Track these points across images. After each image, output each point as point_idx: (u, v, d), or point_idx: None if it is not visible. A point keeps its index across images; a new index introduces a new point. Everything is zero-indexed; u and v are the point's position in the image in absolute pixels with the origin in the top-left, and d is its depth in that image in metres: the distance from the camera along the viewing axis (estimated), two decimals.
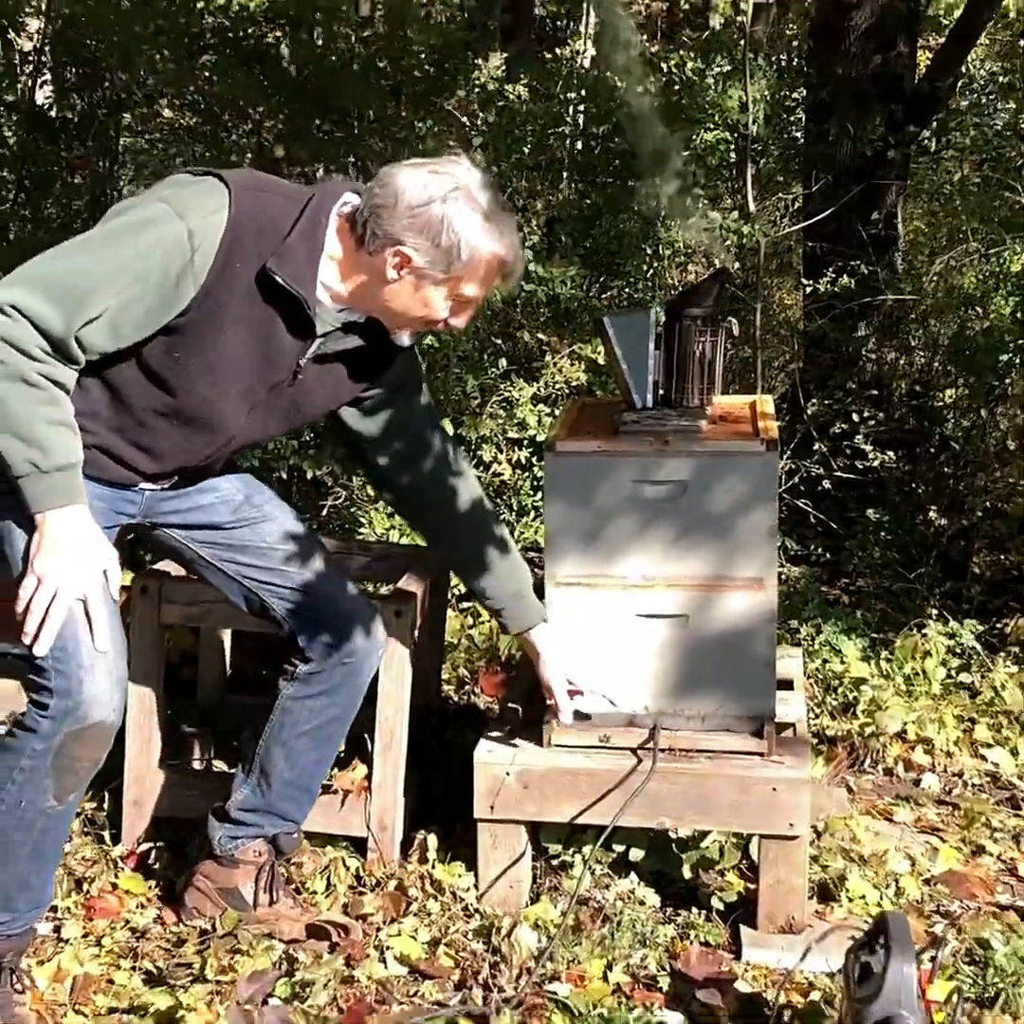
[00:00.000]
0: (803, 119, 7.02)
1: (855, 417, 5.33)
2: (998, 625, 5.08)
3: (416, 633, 3.20)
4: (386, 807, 3.16)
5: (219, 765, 3.49)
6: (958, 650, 4.73)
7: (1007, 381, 5.24)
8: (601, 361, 4.46)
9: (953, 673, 4.56)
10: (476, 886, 3.11)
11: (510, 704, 3.27)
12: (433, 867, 3.16)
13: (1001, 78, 6.08)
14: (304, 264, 2.55)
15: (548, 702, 3.06)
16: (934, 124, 6.47)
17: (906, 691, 4.41)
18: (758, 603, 2.98)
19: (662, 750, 3.00)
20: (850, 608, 5.17)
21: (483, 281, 2.62)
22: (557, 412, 4.45)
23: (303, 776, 2.96)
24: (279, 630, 2.91)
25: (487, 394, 4.54)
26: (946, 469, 5.77)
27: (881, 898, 3.21)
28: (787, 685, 3.45)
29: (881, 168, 6.66)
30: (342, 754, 3.17)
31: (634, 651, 3.03)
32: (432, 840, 3.20)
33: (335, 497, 4.76)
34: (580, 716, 3.06)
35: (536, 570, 5.27)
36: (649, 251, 4.94)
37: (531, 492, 4.57)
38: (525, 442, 4.58)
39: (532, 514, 4.54)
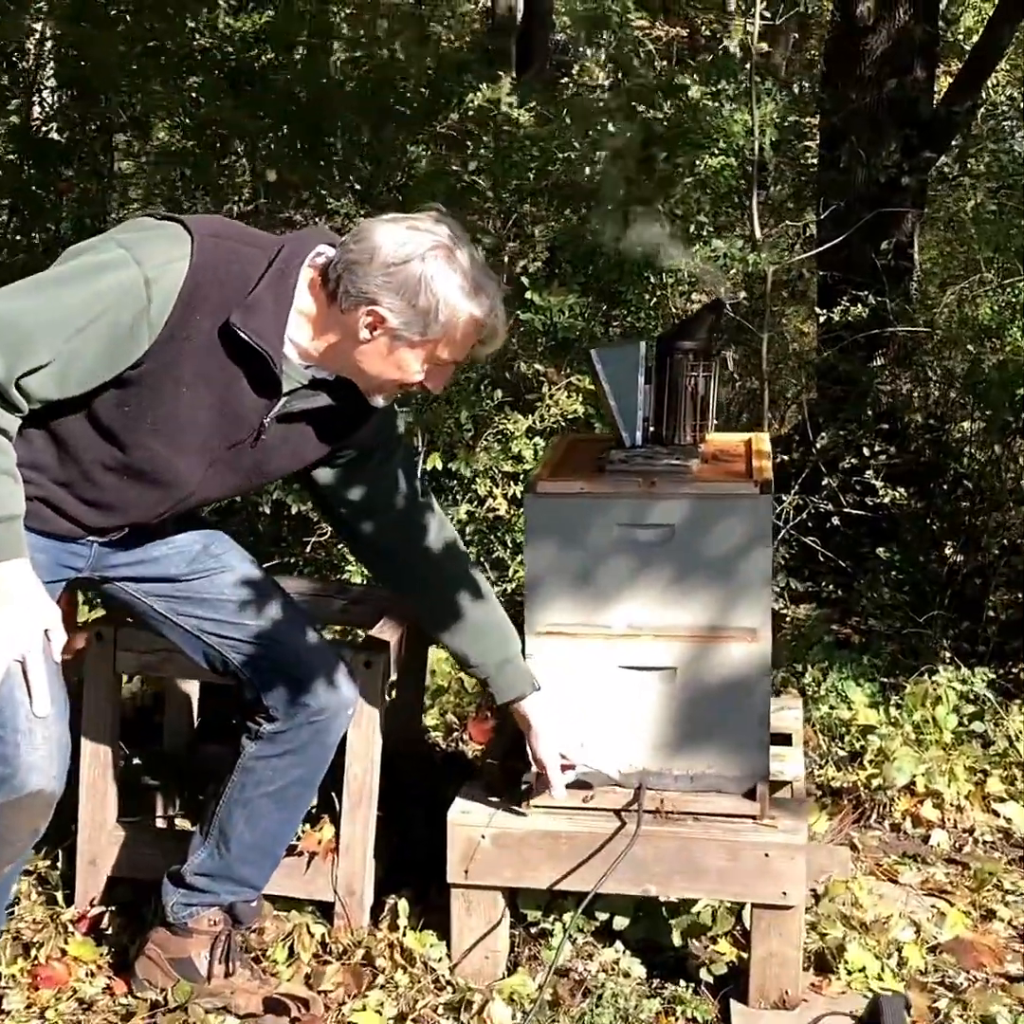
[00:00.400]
0: (817, 144, 6.86)
1: (866, 451, 5.13)
2: (1014, 670, 4.87)
3: (391, 682, 3.01)
4: (354, 870, 2.97)
5: (182, 822, 3.31)
6: (971, 696, 4.52)
7: None
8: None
9: (965, 721, 4.35)
10: (449, 956, 2.92)
11: (489, 760, 3.08)
12: (404, 934, 2.96)
13: (1021, 103, 5.89)
14: (271, 318, 2.39)
15: (538, 774, 2.86)
16: (955, 150, 6.28)
17: (916, 740, 4.21)
18: (752, 655, 2.79)
19: (648, 812, 2.81)
20: (858, 650, 4.96)
21: (461, 345, 2.46)
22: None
23: (265, 839, 2.77)
24: (241, 687, 2.73)
25: (481, 427, 4.37)
26: (962, 505, 5.56)
27: (882, 969, 3.00)
28: (785, 740, 3.25)
29: (896, 195, 6.49)
30: (313, 809, 2.98)
31: (618, 706, 2.85)
32: (403, 906, 3.01)
33: (320, 533, 4.59)
34: (580, 785, 2.87)
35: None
36: (652, 279, 4.77)
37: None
38: (521, 476, 4.40)
39: None
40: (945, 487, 5.77)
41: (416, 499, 2.77)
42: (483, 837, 2.85)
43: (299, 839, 2.97)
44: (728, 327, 4.52)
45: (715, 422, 3.11)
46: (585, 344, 4.61)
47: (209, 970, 2.76)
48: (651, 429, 3.05)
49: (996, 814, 3.89)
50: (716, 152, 4.84)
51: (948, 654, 4.85)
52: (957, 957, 3.11)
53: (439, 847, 2.89)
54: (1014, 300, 5.28)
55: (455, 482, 4.45)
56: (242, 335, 2.36)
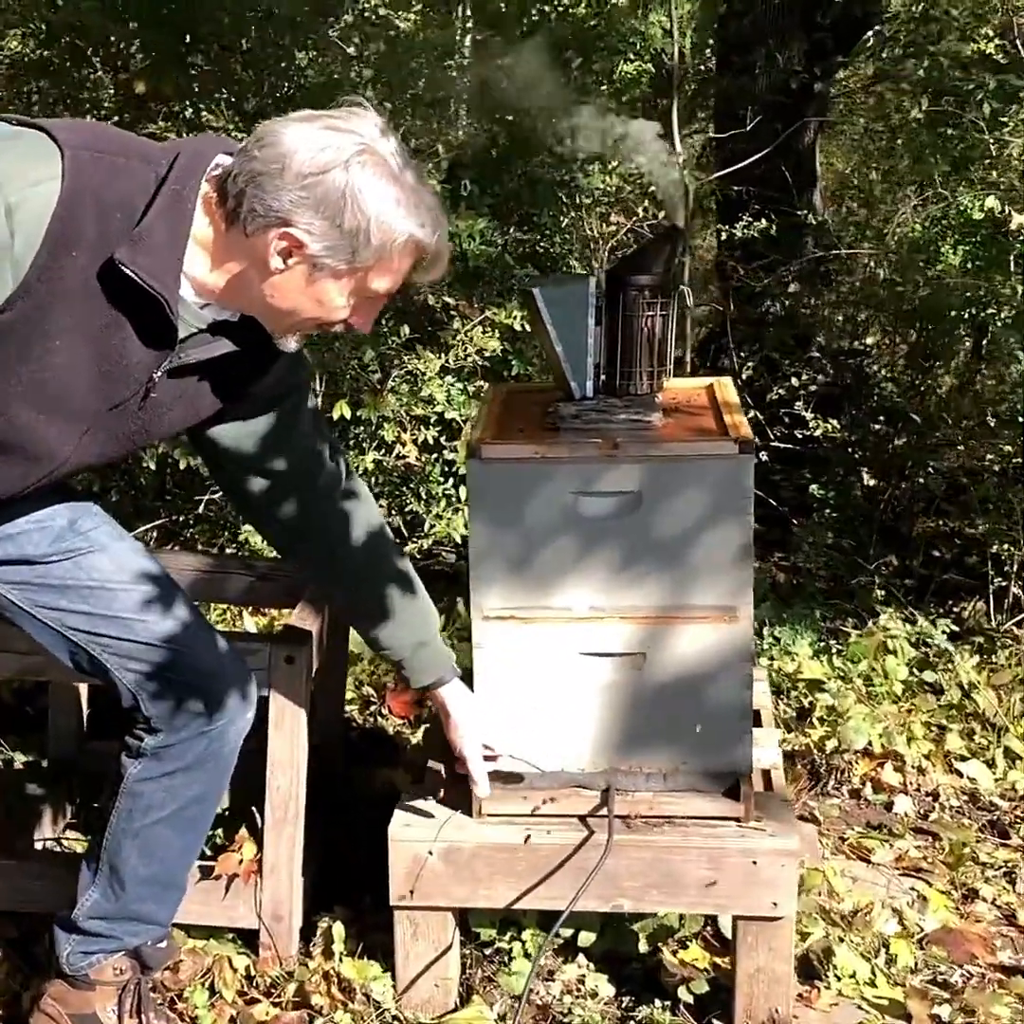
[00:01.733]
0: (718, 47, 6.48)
1: (794, 381, 4.81)
2: (955, 608, 4.62)
3: (313, 679, 2.63)
4: (280, 893, 2.60)
5: (72, 838, 2.89)
6: (914, 639, 4.26)
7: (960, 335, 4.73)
8: (517, 327, 3.90)
9: (915, 671, 4.09)
10: (394, 986, 2.56)
11: (430, 764, 2.70)
12: (340, 961, 2.60)
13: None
14: (165, 253, 1.96)
15: (460, 771, 2.51)
16: (872, 54, 5.95)
17: (867, 694, 3.93)
18: (729, 637, 2.45)
19: (618, 818, 2.47)
20: (793, 592, 4.68)
21: (397, 272, 2.05)
22: (470, 388, 3.88)
23: (164, 871, 2.38)
24: (116, 694, 2.31)
25: (388, 367, 3.95)
26: (889, 436, 5.29)
27: (872, 972, 2.72)
28: (753, 718, 2.92)
29: (803, 102, 6.15)
30: (226, 813, 2.59)
31: (580, 698, 2.49)
32: (338, 930, 2.64)
33: (214, 490, 4.13)
34: (511, 777, 2.52)
35: (445, 569, 4.75)
36: (566, 199, 4.37)
37: (441, 478, 3.99)
38: (432, 420, 4.00)
39: (443, 503, 3.97)
40: (865, 416, 5.50)
41: (327, 459, 2.38)
42: (430, 853, 2.49)
43: (213, 857, 2.59)
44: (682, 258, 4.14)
45: (672, 367, 2.74)
46: (499, 273, 4.20)
47: None
48: (602, 378, 2.67)
49: (959, 774, 3.63)
50: (632, 58, 4.42)
51: (881, 593, 4.59)
52: (947, 950, 2.84)
53: (373, 854, 2.53)
54: (944, 215, 4.97)
55: (360, 428, 4.03)
56: (131, 275, 1.93)
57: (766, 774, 2.69)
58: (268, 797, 2.57)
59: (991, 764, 3.66)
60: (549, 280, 2.97)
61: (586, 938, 2.65)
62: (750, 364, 4.89)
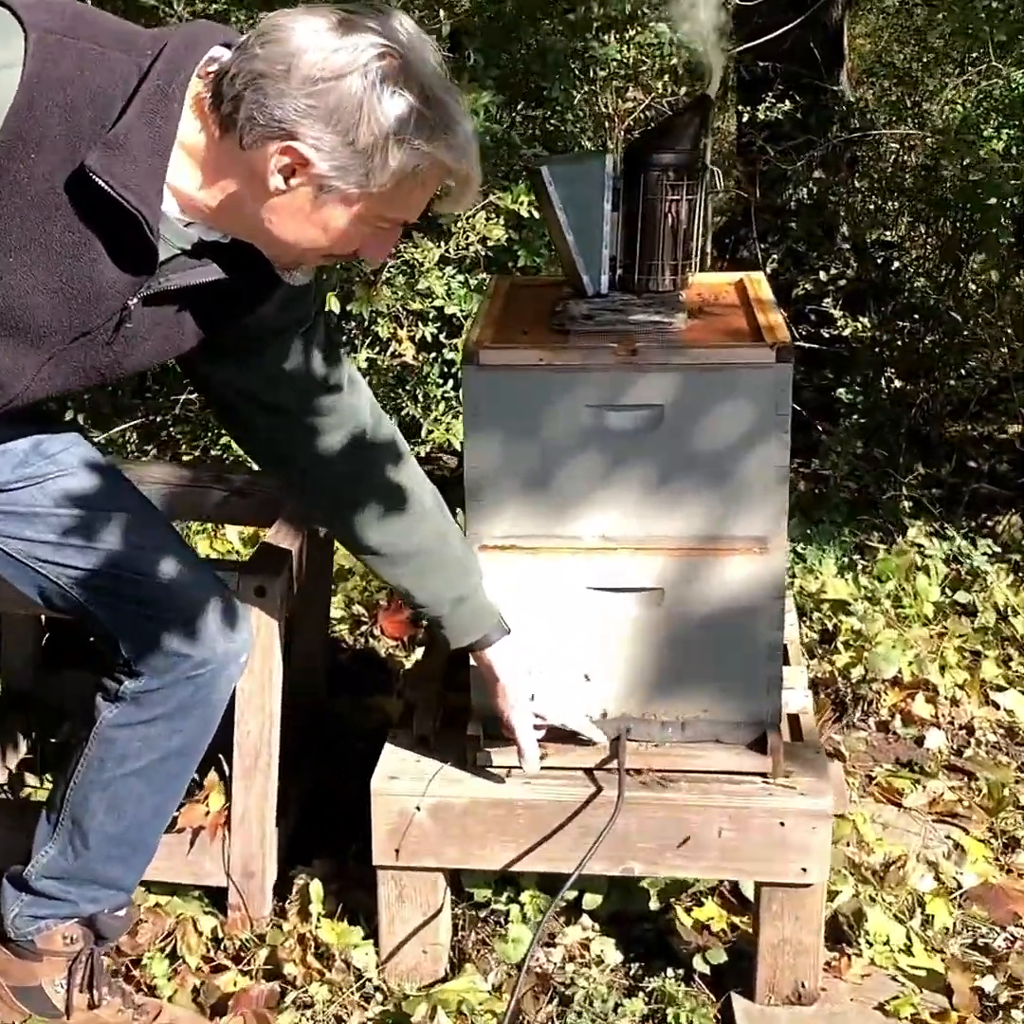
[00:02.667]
0: None
1: (823, 276, 4.45)
2: (988, 522, 4.32)
3: (290, 606, 2.34)
4: (251, 848, 2.33)
5: (31, 784, 2.62)
6: (946, 556, 3.96)
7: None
8: (524, 213, 3.56)
9: (947, 591, 3.80)
10: (377, 951, 2.30)
11: (418, 703, 2.41)
12: (317, 924, 2.34)
13: None
14: (145, 161, 1.65)
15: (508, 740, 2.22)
16: None
17: (896, 616, 3.65)
18: (760, 571, 2.15)
19: (630, 772, 2.19)
20: (816, 502, 4.36)
21: (418, 198, 1.74)
22: (471, 281, 3.54)
23: (134, 830, 2.10)
24: (91, 632, 2.03)
25: None
26: (920, 334, 4.93)
27: (908, 936, 2.46)
28: None
29: None
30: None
31: (588, 638, 2.20)
32: (316, 888, 2.37)
33: (187, 390, 3.80)
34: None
35: (445, 474, 4.43)
36: (579, 72, 3.99)
37: (440, 379, 3.67)
38: (431, 315, 3.67)
39: (442, 407, 3.65)
40: (894, 314, 5.14)
41: (342, 392, 2.06)
42: (417, 809, 2.21)
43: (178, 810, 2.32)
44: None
45: (698, 261, 2.42)
46: (506, 153, 3.84)
47: (67, 1002, 2.11)
48: (619, 272, 2.35)
49: (996, 706, 3.36)
50: None
51: (909, 505, 4.28)
52: (987, 908, 2.59)
53: (362, 795, 2.26)
54: (986, 96, 4.59)
55: (352, 324, 3.70)
56: (103, 185, 1.62)
57: (793, 720, 2.40)
58: (237, 743, 2.29)
59: None
60: (561, 158, 2.63)
61: (592, 901, 2.39)
62: (774, 256, 4.53)
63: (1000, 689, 3.40)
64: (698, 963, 2.32)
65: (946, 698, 3.34)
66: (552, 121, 4.05)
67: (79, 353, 1.79)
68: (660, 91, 4.30)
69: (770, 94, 5.27)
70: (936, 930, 2.50)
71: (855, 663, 3.39)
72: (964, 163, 4.76)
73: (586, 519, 2.15)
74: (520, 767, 2.19)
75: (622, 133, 4.31)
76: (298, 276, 1.85)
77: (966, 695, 3.36)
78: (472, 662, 2.21)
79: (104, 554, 1.98)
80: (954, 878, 2.67)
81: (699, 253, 2.41)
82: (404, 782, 2.23)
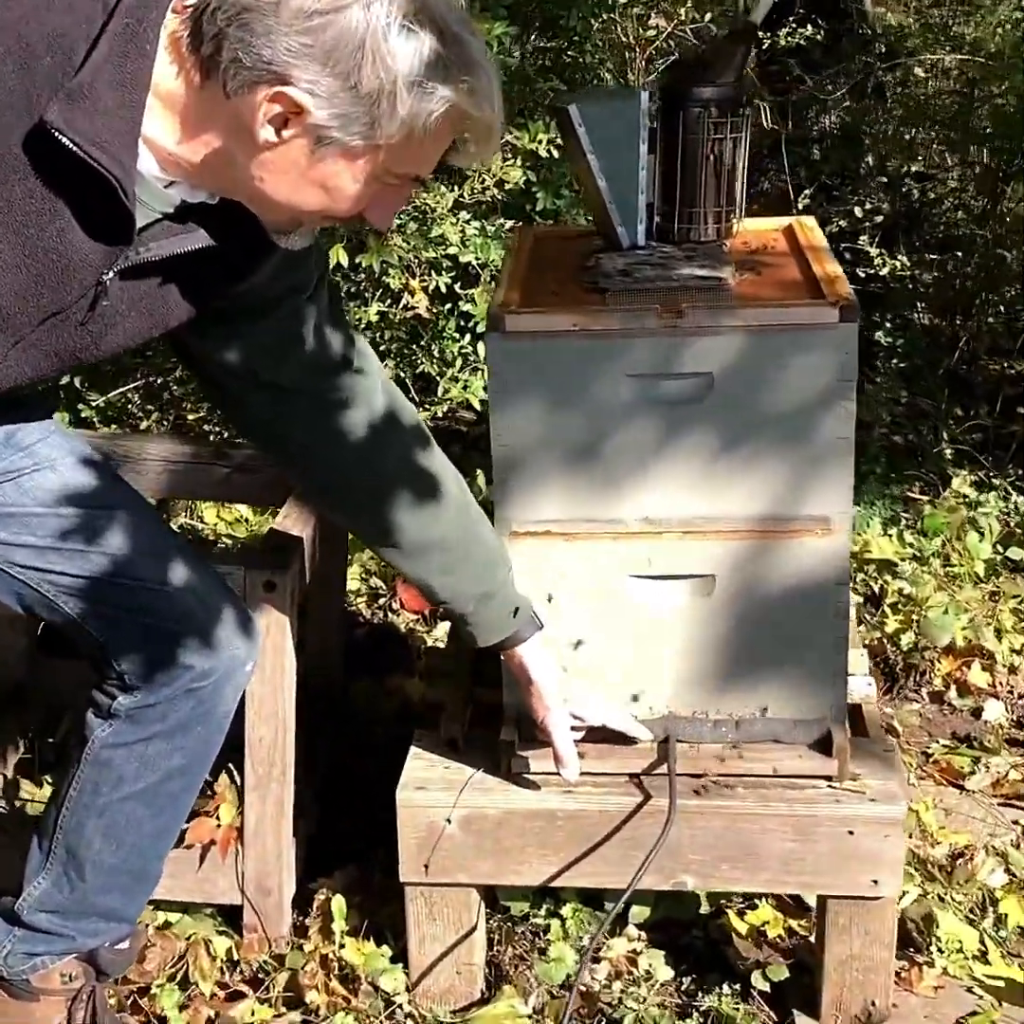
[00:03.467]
0: None
1: (858, 212, 4.20)
2: None
3: (303, 590, 2.13)
4: (267, 863, 2.14)
5: (27, 790, 2.42)
6: (999, 513, 3.73)
7: None
8: (543, 153, 3.32)
9: (999, 548, 3.57)
10: (406, 972, 2.11)
11: (445, 701, 2.21)
12: (341, 944, 2.15)
13: None
14: (115, 114, 1.42)
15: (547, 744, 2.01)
16: None
17: (946, 576, 3.43)
18: (823, 554, 1.94)
19: (682, 777, 1.98)
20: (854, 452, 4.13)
21: (432, 150, 1.51)
22: (488, 227, 3.30)
23: (136, 858, 1.91)
24: (79, 642, 1.83)
25: None
26: (957, 270, 4.69)
27: (981, 940, 2.26)
28: None
29: None
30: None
31: (632, 631, 1.99)
32: (338, 903, 2.18)
33: None
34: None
35: (461, 428, 4.20)
36: None
37: (457, 334, 3.44)
38: (445, 265, 3.43)
39: (458, 364, 3.43)
40: (928, 248, 4.89)
41: (349, 367, 1.84)
42: (448, 822, 2.01)
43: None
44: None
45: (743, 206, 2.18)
46: (521, 88, 3.58)
47: None
48: (657, 220, 2.12)
49: None
50: None
51: (950, 452, 4.04)
52: None
53: (384, 790, 2.07)
54: None
55: (362, 276, 3.47)
56: (67, 144, 1.39)
57: (855, 710, 2.19)
58: (248, 752, 2.09)
59: None
60: (589, 95, 2.39)
61: (639, 913, 2.20)
62: (806, 192, 4.27)
63: None
64: (757, 979, 2.13)
65: (1004, 666, 3.13)
66: (569, 53, 3.79)
67: (50, 336, 1.57)
68: (682, 18, 4.03)
69: (791, 18, 4.99)
70: (1010, 930, 2.30)
71: (905, 629, 3.18)
72: (1003, 87, 4.51)
73: (628, 501, 1.93)
74: (558, 773, 1.99)
75: (644, 64, 4.05)
76: (296, 240, 1.61)
77: None
78: (503, 660, 2.00)
79: (93, 558, 1.78)
80: None
81: (743, 198, 2.18)
82: (432, 792, 2.02)
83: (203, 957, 2.11)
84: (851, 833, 1.96)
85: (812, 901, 2.19)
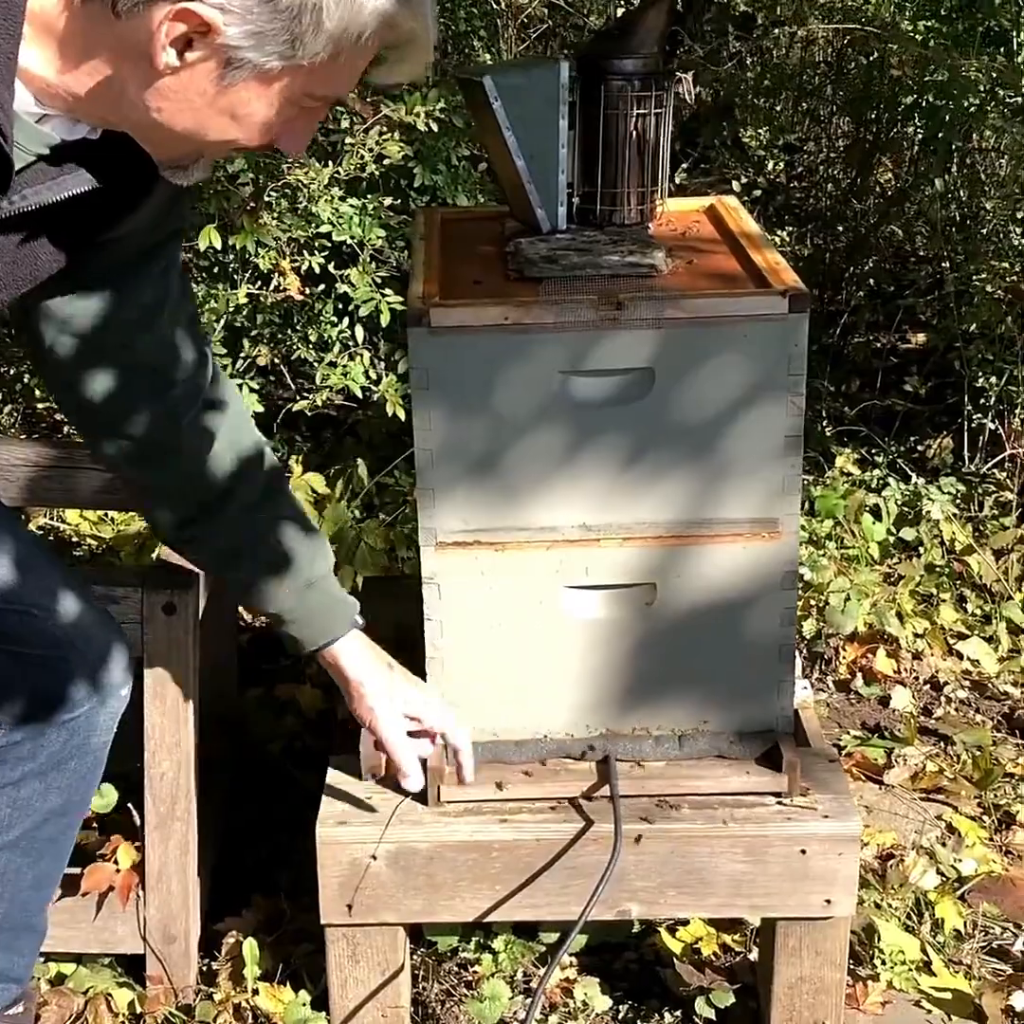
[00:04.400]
0: None
1: (736, 186, 4.11)
2: (919, 447, 4.05)
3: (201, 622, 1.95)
4: (172, 908, 1.96)
5: None
6: (876, 485, 3.69)
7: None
8: (422, 126, 3.14)
9: (892, 529, 3.52)
10: (328, 1019, 1.95)
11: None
12: (254, 990, 1.98)
13: None
14: None
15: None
16: None
17: (842, 558, 3.36)
18: (770, 558, 1.83)
19: (625, 798, 1.85)
20: None
21: (355, 68, 1.32)
22: (368, 205, 3.11)
23: (15, 911, 1.73)
24: None
25: (264, 180, 3.17)
26: (827, 244, 4.64)
27: (923, 949, 2.19)
28: None
29: None
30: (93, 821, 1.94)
31: (567, 645, 1.86)
32: (250, 947, 2.01)
33: None
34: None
35: (336, 415, 3.99)
36: None
37: (334, 318, 3.26)
38: (317, 245, 3.24)
39: (337, 348, 3.24)
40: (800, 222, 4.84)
41: (201, 335, 1.67)
42: (374, 859, 1.85)
43: (77, 864, 1.93)
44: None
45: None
46: None
47: None
48: (575, 202, 1.98)
49: (959, 656, 3.10)
50: None
51: (828, 428, 3.99)
52: (997, 902, 2.33)
53: (285, 812, 1.91)
54: None
55: (230, 257, 3.26)
56: None
57: (794, 717, 2.08)
58: (148, 788, 1.90)
59: (992, 641, 3.14)
60: (503, 66, 2.23)
61: (575, 943, 2.07)
62: (684, 167, 4.16)
63: (961, 636, 3.15)
64: (702, 1007, 2.01)
65: (908, 651, 3.08)
66: (441, 19, 3.60)
67: None
68: None
69: None
70: (947, 935, 2.23)
71: (805, 616, 3.10)
72: (872, 57, 4.46)
73: (563, 506, 1.79)
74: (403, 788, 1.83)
75: (516, 32, 3.89)
76: (192, 174, 1.39)
77: (928, 646, 3.10)
78: (322, 665, 1.84)
79: None
80: (953, 867, 2.40)
81: (666, 178, 2.05)
82: (355, 827, 1.86)
83: (104, 1014, 1.93)
84: (804, 852, 1.85)
85: (754, 919, 2.09)
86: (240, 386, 3.16)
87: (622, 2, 4.79)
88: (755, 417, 1.76)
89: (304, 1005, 1.96)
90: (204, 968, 2.03)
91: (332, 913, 1.87)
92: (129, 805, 1.93)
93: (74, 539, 3.31)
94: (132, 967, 2.01)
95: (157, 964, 1.96)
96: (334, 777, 1.94)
